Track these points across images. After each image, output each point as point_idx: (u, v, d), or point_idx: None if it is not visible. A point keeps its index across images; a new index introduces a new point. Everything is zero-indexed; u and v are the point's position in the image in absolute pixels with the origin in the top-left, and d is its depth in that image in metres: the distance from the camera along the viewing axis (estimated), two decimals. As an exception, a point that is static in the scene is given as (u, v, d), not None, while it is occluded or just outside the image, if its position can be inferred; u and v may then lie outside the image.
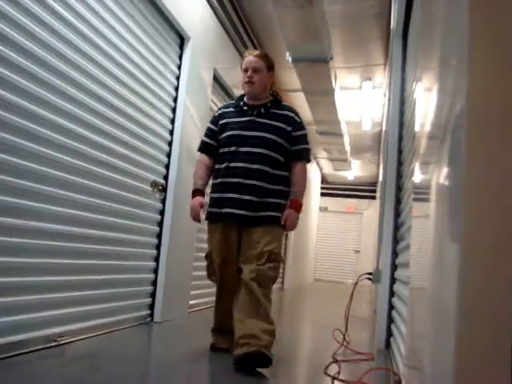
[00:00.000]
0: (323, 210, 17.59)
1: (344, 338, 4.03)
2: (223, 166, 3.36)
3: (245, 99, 3.50)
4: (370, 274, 4.96)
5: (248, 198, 3.26)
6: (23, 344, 2.87)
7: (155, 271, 4.58)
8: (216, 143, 3.49)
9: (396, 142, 4.33)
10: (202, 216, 3.50)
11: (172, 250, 4.67)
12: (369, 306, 8.46)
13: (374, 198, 16.19)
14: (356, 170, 15.54)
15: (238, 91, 5.24)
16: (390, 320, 4.02)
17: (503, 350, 0.94)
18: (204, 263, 3.54)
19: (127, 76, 3.95)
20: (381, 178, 7.81)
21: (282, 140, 3.33)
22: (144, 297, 4.41)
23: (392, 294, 4.07)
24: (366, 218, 17.18)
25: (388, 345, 3.99)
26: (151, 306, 4.54)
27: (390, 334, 4.00)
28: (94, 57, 3.46)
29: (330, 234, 17.81)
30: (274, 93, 3.55)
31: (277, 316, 7.04)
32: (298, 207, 3.38)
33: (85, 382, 2.55)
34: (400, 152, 4.26)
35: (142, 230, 4.30)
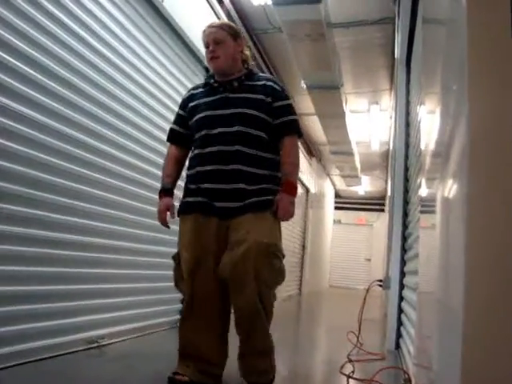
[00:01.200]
0: (337, 222, 17.52)
1: (357, 340, 3.99)
2: (196, 152, 2.56)
3: (216, 77, 2.63)
4: (380, 280, 4.93)
5: (230, 186, 2.42)
6: (68, 345, 2.89)
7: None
8: (186, 130, 2.65)
9: (403, 160, 4.31)
10: (172, 219, 2.63)
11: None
12: (380, 310, 8.37)
13: (382, 210, 16.06)
14: (366, 186, 15.50)
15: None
16: (400, 323, 3.98)
17: (507, 350, 0.94)
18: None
19: (148, 95, 3.99)
20: (389, 193, 7.76)
21: (263, 114, 2.49)
22: (175, 303, 4.42)
23: (401, 298, 4.03)
24: (376, 230, 17.03)
25: (398, 346, 3.94)
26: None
27: (399, 335, 3.96)
28: (115, 77, 3.50)
29: (343, 244, 17.71)
30: (247, 64, 2.70)
31: (295, 319, 7.01)
32: (291, 189, 2.49)
33: (122, 379, 2.57)
34: (406, 169, 4.24)
35: (174, 243, 4.32)
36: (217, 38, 2.53)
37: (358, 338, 4.02)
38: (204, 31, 2.58)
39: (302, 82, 6.49)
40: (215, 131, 2.48)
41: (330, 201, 15.75)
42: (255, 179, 2.45)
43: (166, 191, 2.61)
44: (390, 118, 8.19)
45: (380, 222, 16.63)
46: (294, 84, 7.25)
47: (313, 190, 11.77)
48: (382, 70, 6.94)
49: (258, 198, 2.43)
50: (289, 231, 9.43)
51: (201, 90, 2.65)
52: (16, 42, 2.46)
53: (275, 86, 2.59)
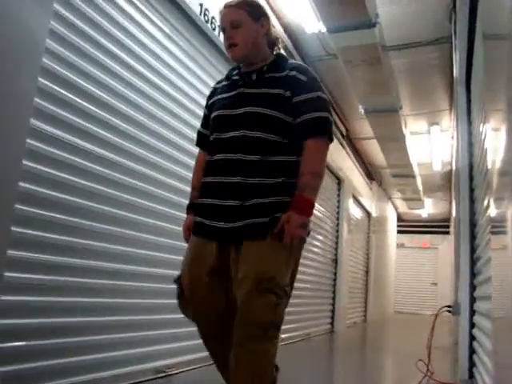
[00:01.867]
0: (400, 246, 17.05)
1: (427, 369, 3.81)
2: (207, 159, 2.13)
3: (241, 67, 2.16)
4: (449, 306, 4.72)
5: (227, 202, 1.96)
6: (136, 375, 2.91)
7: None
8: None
9: (467, 181, 4.16)
10: None
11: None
12: (448, 337, 8.02)
13: (447, 233, 15.52)
14: (429, 208, 15.06)
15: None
16: (472, 350, 3.77)
17: None
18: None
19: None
20: (454, 215, 7.50)
21: (279, 112, 1.97)
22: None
23: (472, 325, 3.83)
24: (442, 253, 16.44)
25: (471, 375, 3.73)
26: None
27: (472, 364, 3.75)
28: (167, 106, 3.55)
29: (407, 268, 17.20)
30: (277, 47, 2.18)
31: (361, 347, 6.81)
32: (304, 207, 1.91)
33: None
34: (471, 190, 4.08)
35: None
36: (234, 19, 2.03)
37: (427, 366, 3.84)
38: (220, 12, 2.11)
39: (360, 106, 6.43)
40: (224, 135, 2.03)
41: (392, 224, 15.39)
42: (259, 192, 1.94)
43: (189, 207, 2.20)
44: (452, 138, 7.98)
45: (445, 245, 16.05)
46: (352, 109, 7.19)
47: (374, 214, 11.54)
48: (440, 90, 6.79)
49: (255, 220, 1.92)
50: (352, 257, 9.26)
51: (223, 83, 2.21)
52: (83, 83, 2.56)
53: (299, 75, 2.02)
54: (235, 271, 1.91)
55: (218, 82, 2.27)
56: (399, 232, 16.97)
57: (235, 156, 1.97)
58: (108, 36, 2.77)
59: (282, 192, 1.95)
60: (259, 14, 2.08)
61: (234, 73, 2.16)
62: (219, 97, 2.14)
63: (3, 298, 2.11)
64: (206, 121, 2.24)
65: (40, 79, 2.27)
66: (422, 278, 17.04)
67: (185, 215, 2.20)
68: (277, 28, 4.74)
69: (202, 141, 2.28)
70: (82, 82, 2.57)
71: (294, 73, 2.02)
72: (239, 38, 2.03)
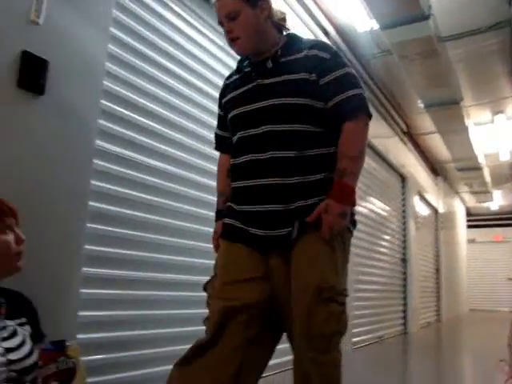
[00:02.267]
0: (471, 241, 16.44)
1: (511, 369, 3.64)
2: (232, 162, 1.91)
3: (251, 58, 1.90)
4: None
5: (269, 207, 1.74)
6: None
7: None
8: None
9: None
10: None
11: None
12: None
13: (521, 225, 14.89)
14: (499, 200, 14.45)
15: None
16: (558, 347, 3.58)
17: None
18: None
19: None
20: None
21: (307, 99, 1.75)
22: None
23: (556, 320, 3.64)
24: (516, 246, 15.76)
25: (559, 373, 3.53)
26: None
27: (559, 361, 3.56)
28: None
29: (480, 264, 16.52)
30: (283, 28, 1.93)
31: (436, 347, 6.60)
32: (343, 195, 1.70)
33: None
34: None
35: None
36: (229, 10, 1.78)
37: (510, 366, 3.67)
38: (214, 4, 1.87)
39: (419, 101, 6.27)
40: (250, 132, 1.81)
41: (461, 220, 14.88)
42: (301, 193, 1.73)
43: (219, 214, 2.00)
44: (519, 125, 7.67)
45: (519, 238, 15.39)
46: (411, 104, 7.02)
47: (441, 210, 11.20)
48: (502, 77, 6.50)
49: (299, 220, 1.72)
50: (421, 255, 9.02)
51: (234, 77, 1.96)
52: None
53: (321, 53, 1.79)
54: (282, 278, 1.74)
55: (229, 77, 2.02)
56: (469, 227, 16.36)
57: (265, 155, 1.76)
58: (164, 54, 2.84)
59: (326, 189, 1.72)
60: None
61: (245, 63, 1.91)
62: (234, 93, 1.90)
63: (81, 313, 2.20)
64: (222, 122, 2.02)
65: (102, 101, 2.36)
66: (496, 273, 16.30)
67: None
68: (328, 29, 4.71)
69: (221, 144, 2.09)
70: (142, 100, 2.65)
71: (314, 51, 1.79)
72: (239, 30, 1.79)
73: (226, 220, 1.87)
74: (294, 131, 1.75)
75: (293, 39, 1.89)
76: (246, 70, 1.89)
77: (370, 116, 1.81)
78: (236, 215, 1.84)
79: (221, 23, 1.83)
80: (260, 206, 1.76)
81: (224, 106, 1.97)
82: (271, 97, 1.77)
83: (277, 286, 1.76)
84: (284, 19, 1.94)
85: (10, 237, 1.61)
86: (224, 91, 1.99)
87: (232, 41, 1.82)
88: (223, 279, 1.79)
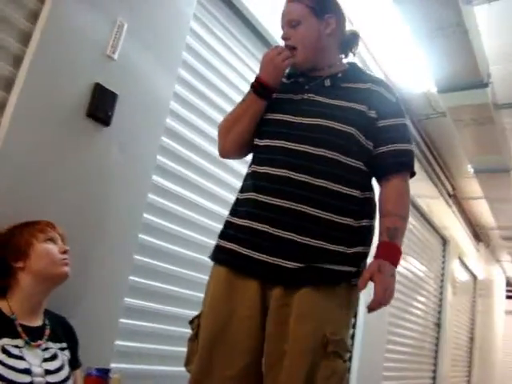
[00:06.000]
0: (509, 313, 15.78)
1: None
2: (253, 169, 1.66)
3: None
4: None
5: (292, 236, 1.51)
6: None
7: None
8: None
9: None
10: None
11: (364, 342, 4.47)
12: None
13: None
14: (542, 273, 13.95)
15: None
16: None
17: None
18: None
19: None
20: None
21: (360, 134, 1.58)
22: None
23: None
24: (557, 323, 15.03)
25: None
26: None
27: None
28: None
29: (517, 338, 15.78)
30: (351, 52, 1.81)
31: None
32: (393, 256, 1.54)
33: None
34: None
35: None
36: (292, 18, 1.66)
37: None
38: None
39: (469, 165, 6.20)
40: (288, 145, 1.57)
41: (500, 289, 14.36)
42: (329, 232, 1.53)
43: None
44: None
45: (561, 315, 14.69)
46: (459, 167, 6.93)
47: (480, 277, 10.86)
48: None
49: (329, 266, 1.51)
50: (456, 322, 8.72)
51: (283, 81, 1.75)
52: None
53: (386, 93, 1.66)
54: (279, 319, 1.49)
55: None
56: (508, 297, 15.76)
57: (300, 176, 1.53)
58: (226, 98, 2.91)
59: (347, 239, 1.55)
60: (325, 10, 1.68)
61: (299, 73, 1.74)
62: (279, 96, 1.69)
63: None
64: None
65: (163, 138, 2.42)
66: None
67: None
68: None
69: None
70: (200, 140, 2.71)
71: (379, 88, 1.66)
72: (297, 39, 1.66)
73: (224, 241, 1.62)
74: (337, 161, 1.56)
75: (356, 68, 1.78)
76: (300, 79, 1.72)
77: (413, 174, 1.70)
78: (236, 234, 1.59)
79: (282, 28, 1.72)
80: (272, 228, 1.52)
81: None
82: (321, 116, 1.59)
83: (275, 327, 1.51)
84: (355, 42, 1.82)
85: (52, 246, 1.66)
86: None
87: (288, 49, 1.67)
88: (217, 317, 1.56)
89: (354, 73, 1.73)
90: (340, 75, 1.69)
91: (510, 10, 3.97)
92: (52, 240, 1.67)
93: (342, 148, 1.56)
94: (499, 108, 5.04)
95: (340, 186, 1.55)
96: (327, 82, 1.66)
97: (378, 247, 1.56)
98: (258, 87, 1.66)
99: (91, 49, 2.00)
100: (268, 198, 1.55)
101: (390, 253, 1.55)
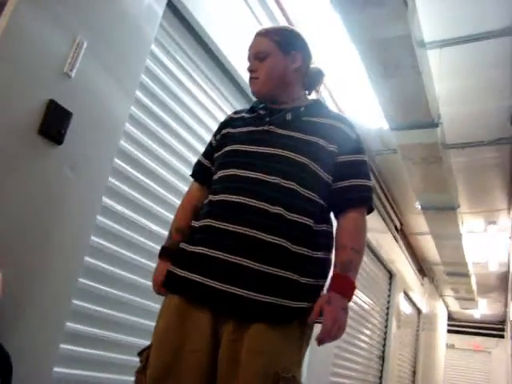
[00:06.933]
0: (450, 347, 16.14)
1: None
2: (209, 199, 1.63)
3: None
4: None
5: (247, 263, 1.46)
6: None
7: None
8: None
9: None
10: None
11: (309, 374, 4.44)
12: None
13: (502, 336, 14.68)
14: (483, 309, 14.35)
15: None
16: None
17: None
18: None
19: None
20: (511, 318, 7.11)
21: (319, 167, 1.58)
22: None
23: None
24: (495, 357, 15.43)
25: None
26: None
27: None
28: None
29: (457, 372, 16.15)
30: (314, 90, 1.84)
31: None
32: (347, 289, 1.53)
33: None
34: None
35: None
36: (259, 51, 1.71)
37: None
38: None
39: (417, 202, 6.37)
40: (249, 174, 1.56)
41: (442, 323, 14.69)
42: (288, 261, 1.49)
43: (167, 252, 1.71)
44: (510, 238, 7.76)
45: (500, 349, 15.10)
46: (407, 203, 7.14)
47: (424, 310, 11.09)
48: (498, 189, 6.69)
49: (283, 301, 1.46)
50: (399, 355, 8.82)
51: (243, 114, 1.79)
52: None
53: (347, 129, 1.67)
54: (231, 355, 1.42)
55: (237, 112, 1.86)
56: (449, 331, 16.14)
57: (258, 203, 1.50)
58: (182, 123, 2.90)
59: (322, 271, 1.56)
60: (292, 46, 1.72)
61: (261, 106, 1.75)
62: (239, 129, 1.72)
63: None
64: (210, 151, 1.80)
65: (115, 159, 2.38)
66: (473, 383, 15.91)
67: None
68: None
69: (201, 172, 1.83)
70: (153, 164, 2.68)
71: (341, 125, 1.67)
72: (262, 71, 1.69)
73: (177, 268, 1.57)
74: (297, 192, 1.55)
75: (320, 104, 1.78)
76: (261, 112, 1.72)
77: (371, 210, 1.68)
78: (193, 262, 1.53)
79: (249, 60, 1.75)
80: (229, 255, 1.47)
81: (221, 137, 1.76)
82: (281, 147, 1.58)
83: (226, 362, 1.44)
84: (318, 81, 1.84)
85: None
86: (226, 124, 1.80)
87: (250, 80, 1.73)
88: (163, 341, 1.51)
89: (317, 108, 1.74)
90: (302, 109, 1.69)
91: (459, 56, 4.17)
92: None
93: (298, 178, 1.55)
94: (448, 148, 5.23)
95: (296, 215, 1.52)
96: (288, 116, 1.67)
97: (331, 280, 1.54)
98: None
99: (48, 65, 1.95)
100: (223, 224, 1.51)
101: (343, 286, 1.52)
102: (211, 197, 1.62)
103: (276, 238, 1.48)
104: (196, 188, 1.82)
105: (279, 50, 1.69)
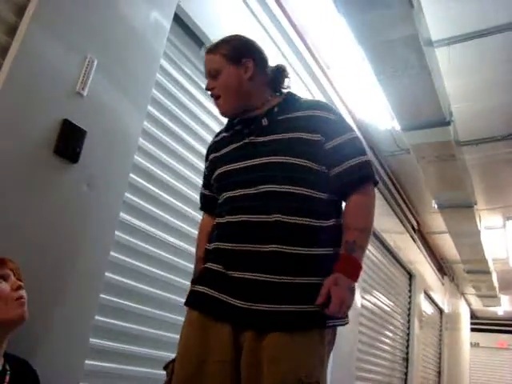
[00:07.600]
0: (474, 345, 15.91)
1: None
2: (216, 221, 1.70)
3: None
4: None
5: (253, 276, 1.49)
6: None
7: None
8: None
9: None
10: None
11: (333, 378, 4.41)
12: None
13: (527, 334, 14.46)
14: (506, 306, 14.15)
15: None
16: None
17: None
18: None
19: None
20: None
21: (307, 161, 1.57)
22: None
23: None
24: (521, 355, 15.20)
25: None
26: None
27: None
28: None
29: (483, 370, 15.85)
30: (278, 85, 1.78)
31: None
32: (352, 270, 1.51)
33: None
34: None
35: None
36: (212, 68, 1.71)
37: None
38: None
39: (433, 201, 6.33)
40: (239, 192, 1.60)
41: (465, 322, 14.50)
42: (297, 266, 1.50)
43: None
44: (530, 233, 7.68)
45: (525, 347, 14.89)
46: (424, 203, 7.08)
47: (446, 310, 10.96)
48: (515, 184, 6.62)
49: (298, 307, 1.46)
50: (423, 356, 8.73)
51: (224, 135, 1.80)
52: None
53: (326, 114, 1.64)
54: (252, 364, 1.44)
55: (218, 134, 1.87)
56: (473, 330, 15.92)
57: (269, 217, 1.52)
58: (196, 136, 2.92)
59: (319, 270, 1.52)
60: (240, 55, 1.70)
61: (235, 121, 1.75)
62: (223, 151, 1.74)
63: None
64: (208, 181, 1.83)
65: (131, 175, 2.40)
66: (500, 382, 15.67)
67: None
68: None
69: (207, 204, 1.88)
70: (167, 177, 2.69)
71: (318, 112, 1.64)
72: (219, 88, 1.70)
73: (198, 286, 1.62)
74: (294, 193, 1.55)
75: (292, 97, 1.75)
76: (237, 127, 1.73)
77: (376, 183, 1.67)
78: (207, 278, 1.60)
79: (206, 78, 1.76)
80: (253, 273, 1.50)
81: (211, 165, 1.80)
82: (268, 155, 1.58)
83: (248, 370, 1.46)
84: (282, 75, 1.79)
85: (4, 284, 1.55)
86: (211, 149, 1.84)
87: (214, 101, 1.74)
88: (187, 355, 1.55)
89: (290, 102, 1.72)
90: (276, 109, 1.68)
91: (468, 53, 4.15)
92: (2, 278, 1.55)
93: (288, 179, 1.56)
94: (461, 145, 5.19)
95: (295, 218, 1.52)
96: (265, 121, 1.66)
97: (337, 261, 1.52)
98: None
99: (60, 85, 1.98)
100: (231, 244, 1.57)
101: (348, 266, 1.51)
102: (217, 219, 1.69)
103: (280, 247, 1.50)
104: (207, 218, 1.89)
105: (229, 62, 1.69)
